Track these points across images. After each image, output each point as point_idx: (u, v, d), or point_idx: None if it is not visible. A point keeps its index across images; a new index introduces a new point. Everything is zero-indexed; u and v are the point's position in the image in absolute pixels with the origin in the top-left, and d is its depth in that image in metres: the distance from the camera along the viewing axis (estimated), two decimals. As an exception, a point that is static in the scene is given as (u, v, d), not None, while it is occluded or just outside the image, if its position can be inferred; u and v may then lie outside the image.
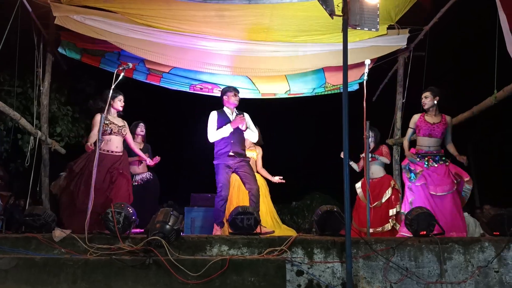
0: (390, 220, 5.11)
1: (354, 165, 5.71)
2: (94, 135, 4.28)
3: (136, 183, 5.36)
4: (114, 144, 4.44)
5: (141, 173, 5.53)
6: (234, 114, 4.74)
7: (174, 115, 12.39)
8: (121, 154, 4.50)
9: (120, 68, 4.12)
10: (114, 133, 4.43)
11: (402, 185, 5.00)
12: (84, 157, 4.34)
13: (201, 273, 2.92)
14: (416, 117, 4.69)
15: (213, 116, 4.69)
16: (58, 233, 3.40)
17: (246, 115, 4.83)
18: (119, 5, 5.30)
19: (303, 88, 6.64)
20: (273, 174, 5.65)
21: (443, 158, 4.50)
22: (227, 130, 4.56)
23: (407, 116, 4.79)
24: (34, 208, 3.76)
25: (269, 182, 5.65)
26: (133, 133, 5.52)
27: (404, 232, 4.20)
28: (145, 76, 6.39)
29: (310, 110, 11.00)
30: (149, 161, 5.13)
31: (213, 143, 4.65)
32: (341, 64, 3.36)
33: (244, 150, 4.75)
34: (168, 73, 6.30)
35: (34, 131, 5.60)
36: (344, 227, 3.33)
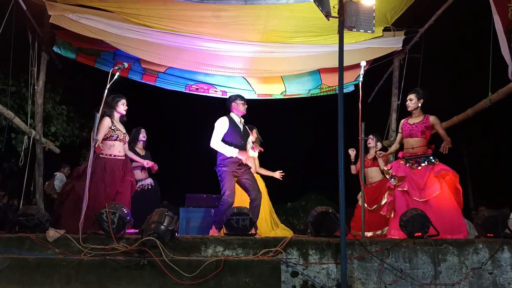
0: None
1: (352, 167, 5.71)
2: (100, 137, 4.23)
3: (138, 189, 5.36)
4: (117, 149, 4.43)
5: (144, 179, 5.52)
6: (242, 122, 4.73)
7: (169, 115, 12.36)
8: (123, 158, 4.49)
9: (116, 67, 4.10)
10: (119, 139, 4.43)
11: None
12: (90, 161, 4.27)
13: (196, 274, 2.91)
14: (402, 121, 4.70)
15: (224, 122, 4.59)
16: (52, 233, 3.37)
17: (255, 130, 5.01)
18: (115, 5, 5.28)
19: (299, 89, 6.66)
20: (270, 175, 5.71)
21: (430, 159, 4.38)
22: (231, 152, 4.48)
23: (402, 118, 4.79)
24: (27, 208, 3.72)
25: (267, 183, 5.67)
26: (136, 140, 5.52)
27: (393, 235, 4.21)
28: (141, 76, 6.37)
29: (307, 110, 11.02)
30: (147, 163, 5.10)
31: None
32: (337, 65, 3.37)
33: None
34: (163, 73, 6.29)
35: (28, 130, 5.56)
36: (339, 228, 3.33)
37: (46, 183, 7.38)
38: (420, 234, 3.51)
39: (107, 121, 4.35)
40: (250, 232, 3.52)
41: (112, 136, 4.38)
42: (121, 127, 4.54)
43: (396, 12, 5.41)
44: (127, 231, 3.56)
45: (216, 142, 4.54)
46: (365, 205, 5.19)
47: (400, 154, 4.64)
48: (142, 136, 5.66)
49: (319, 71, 6.34)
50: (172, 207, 6.86)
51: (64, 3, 5.20)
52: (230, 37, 5.78)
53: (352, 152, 5.58)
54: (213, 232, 4.50)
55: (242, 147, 4.63)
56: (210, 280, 2.92)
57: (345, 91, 5.06)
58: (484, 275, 3.34)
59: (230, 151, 4.48)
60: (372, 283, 3.27)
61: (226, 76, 6.30)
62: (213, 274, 2.93)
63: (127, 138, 4.60)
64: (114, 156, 4.39)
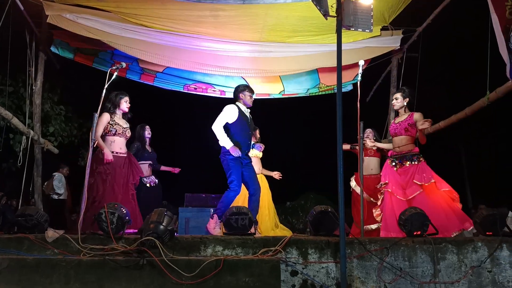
0: None
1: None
2: (99, 134, 4.24)
3: (148, 185, 5.36)
4: (118, 145, 4.41)
5: (148, 176, 5.50)
6: (249, 112, 4.67)
7: (168, 115, 12.36)
8: (125, 155, 4.48)
9: (114, 67, 4.10)
10: (118, 134, 4.40)
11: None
12: (94, 159, 4.21)
13: (195, 273, 2.91)
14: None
15: (234, 111, 4.51)
16: (51, 234, 3.36)
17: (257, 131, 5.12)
18: (113, 4, 5.27)
19: (297, 89, 6.66)
20: (270, 173, 5.75)
21: (416, 156, 4.41)
22: (225, 143, 4.39)
23: (401, 117, 4.80)
24: (26, 208, 3.71)
25: (269, 183, 5.70)
26: (143, 137, 5.51)
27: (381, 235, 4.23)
28: (139, 75, 6.36)
29: (306, 110, 11.03)
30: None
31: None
32: (335, 64, 3.37)
33: None
34: (162, 72, 6.28)
35: (27, 130, 5.55)
36: (338, 227, 3.33)
37: (45, 184, 7.38)
38: (419, 232, 3.52)
39: (105, 116, 4.34)
40: (249, 232, 3.53)
41: (111, 131, 4.37)
42: (122, 122, 4.52)
43: (394, 11, 5.42)
44: (126, 231, 3.56)
45: (217, 126, 4.44)
46: (370, 197, 5.22)
47: (389, 153, 4.70)
48: (148, 133, 5.64)
49: (317, 71, 6.34)
50: (171, 207, 6.86)
51: (61, 3, 5.18)
52: (228, 36, 5.78)
53: (345, 146, 5.47)
54: (213, 222, 4.37)
55: (250, 137, 4.60)
56: (210, 280, 2.92)
57: (343, 90, 5.06)
58: (483, 273, 3.35)
59: (225, 142, 4.37)
60: (372, 281, 3.28)
61: (224, 76, 6.29)
62: (213, 274, 2.93)
63: (129, 133, 4.57)
64: (116, 153, 4.38)
